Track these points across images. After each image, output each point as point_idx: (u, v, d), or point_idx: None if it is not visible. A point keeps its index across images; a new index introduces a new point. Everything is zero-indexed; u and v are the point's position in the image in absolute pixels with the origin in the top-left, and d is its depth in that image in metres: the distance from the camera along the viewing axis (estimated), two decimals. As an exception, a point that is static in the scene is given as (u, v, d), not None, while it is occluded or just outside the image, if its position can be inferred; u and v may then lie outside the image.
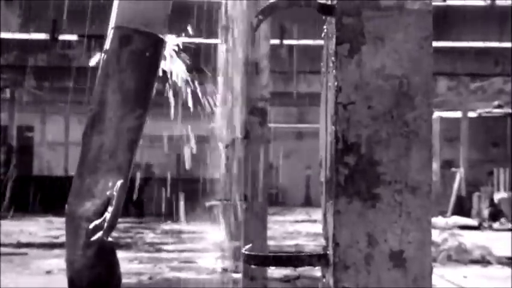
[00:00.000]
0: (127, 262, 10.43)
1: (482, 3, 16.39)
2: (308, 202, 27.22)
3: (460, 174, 21.29)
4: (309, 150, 24.78)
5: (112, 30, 1.93)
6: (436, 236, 11.69)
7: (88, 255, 1.81)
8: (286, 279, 9.13)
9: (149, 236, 15.20)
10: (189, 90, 2.15)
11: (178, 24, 2.08)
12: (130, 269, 9.91)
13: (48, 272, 9.71)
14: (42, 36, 16.68)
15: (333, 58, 1.50)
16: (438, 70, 16.99)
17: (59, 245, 12.29)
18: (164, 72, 2.04)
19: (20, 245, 12.92)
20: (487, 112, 23.94)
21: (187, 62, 2.06)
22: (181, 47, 2.02)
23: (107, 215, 1.82)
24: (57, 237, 14.03)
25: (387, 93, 1.48)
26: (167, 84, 2.08)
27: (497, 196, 19.79)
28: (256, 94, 5.45)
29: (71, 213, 1.85)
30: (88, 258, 1.81)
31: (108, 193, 1.83)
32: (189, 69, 2.08)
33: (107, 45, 1.92)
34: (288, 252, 1.60)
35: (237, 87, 6.15)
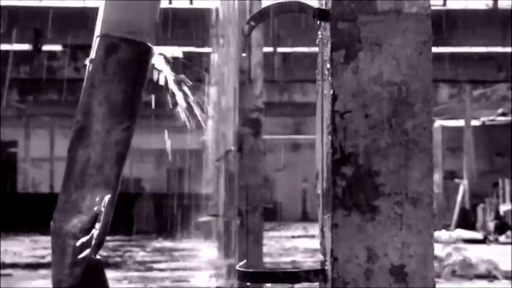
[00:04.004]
0: (116, 282, 10.31)
1: (484, 6, 16.34)
2: (305, 217, 27.08)
3: (463, 185, 21.09)
4: (306, 163, 24.70)
5: (98, 39, 1.87)
6: (439, 250, 11.58)
7: (75, 274, 1.75)
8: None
9: (139, 255, 15.05)
10: (179, 101, 2.09)
11: (168, 32, 2.02)
12: (120, 290, 9.81)
13: (34, 294, 9.59)
14: (25, 46, 16.46)
15: (328, 65, 1.45)
16: (439, 77, 16.84)
17: (45, 265, 12.13)
18: (153, 82, 1.98)
19: (4, 265, 12.67)
20: (490, 120, 23.76)
21: (178, 71, 2.00)
22: (171, 56, 1.96)
23: (95, 232, 1.76)
24: (43, 257, 13.85)
25: (385, 101, 1.44)
26: (156, 95, 2.03)
27: (503, 208, 19.57)
28: (250, 104, 5.40)
29: (56, 230, 1.79)
30: (75, 277, 1.75)
31: (95, 209, 1.78)
32: (180, 79, 2.03)
33: (93, 54, 1.87)
34: (284, 268, 1.55)
35: (230, 98, 6.11)
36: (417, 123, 1.44)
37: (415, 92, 1.44)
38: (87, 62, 1.85)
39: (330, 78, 1.44)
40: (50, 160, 25.81)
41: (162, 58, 1.94)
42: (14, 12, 15.79)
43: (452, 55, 17.02)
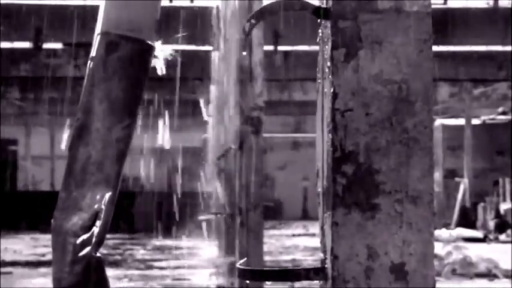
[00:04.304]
0: (116, 280, 10.30)
1: (484, 5, 16.31)
2: (305, 215, 27.05)
3: (464, 184, 21.06)
4: (306, 161, 24.65)
5: (98, 37, 1.87)
6: (440, 249, 11.56)
7: (76, 272, 1.75)
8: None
9: (140, 253, 15.03)
10: (180, 99, 2.10)
11: (168, 30, 2.02)
12: (120, 288, 9.81)
13: (34, 292, 9.59)
14: (25, 44, 16.41)
15: (328, 63, 1.45)
16: (439, 76, 16.79)
17: (45, 263, 12.11)
18: (154, 79, 1.98)
19: (4, 263, 12.65)
20: (491, 119, 23.72)
21: (179, 69, 2.00)
22: (172, 55, 1.96)
23: (95, 230, 1.76)
24: (43, 255, 13.84)
25: (386, 99, 1.44)
26: (157, 93, 2.03)
27: (503, 207, 19.54)
28: (250, 103, 5.39)
29: (57, 228, 1.79)
30: (76, 275, 1.75)
31: (96, 206, 1.78)
32: (181, 77, 2.03)
33: (93, 52, 1.87)
34: (284, 266, 1.55)
35: (230, 96, 6.10)
36: (417, 121, 1.44)
37: (415, 91, 1.44)
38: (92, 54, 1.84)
39: (330, 76, 1.44)
40: (51, 158, 25.80)
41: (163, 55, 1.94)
42: (14, 10, 15.75)
43: (453, 54, 16.98)
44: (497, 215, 19.41)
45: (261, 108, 5.46)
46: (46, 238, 15.49)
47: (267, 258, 10.14)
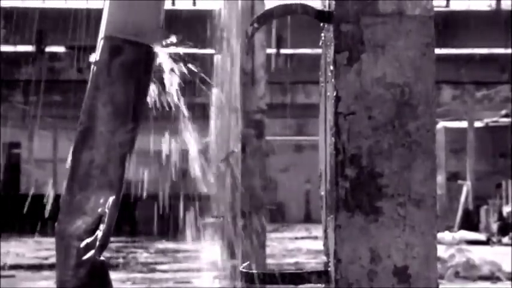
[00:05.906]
0: (119, 283, 10.30)
1: (487, 8, 16.30)
2: (308, 218, 27.00)
3: (466, 187, 21.03)
4: (309, 164, 24.56)
5: (102, 41, 1.88)
6: (442, 251, 11.55)
7: (79, 275, 1.75)
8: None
9: (142, 256, 15.03)
10: (182, 102, 2.10)
11: (170, 33, 2.02)
12: (123, 291, 9.81)
13: (37, 296, 9.58)
14: (28, 48, 16.40)
15: (331, 67, 1.45)
16: (442, 78, 16.73)
17: (48, 267, 12.12)
18: (156, 83, 1.98)
19: (7, 267, 12.66)
20: (493, 121, 23.67)
21: (181, 73, 2.01)
22: (173, 58, 1.97)
23: (99, 233, 1.77)
24: (46, 258, 13.83)
25: (388, 103, 1.44)
26: (159, 97, 2.03)
27: (506, 209, 19.51)
28: (253, 106, 5.40)
29: (61, 231, 1.80)
30: (79, 278, 1.75)
31: (99, 210, 1.78)
32: (183, 81, 2.03)
33: (97, 56, 1.87)
34: (287, 270, 1.55)
35: (233, 99, 6.11)
36: (420, 124, 1.44)
37: (418, 94, 1.44)
38: (91, 59, 1.85)
39: (333, 79, 1.44)
40: (53, 161, 25.81)
41: (167, 59, 1.94)
42: (17, 14, 15.75)
43: (455, 56, 16.95)
44: (500, 217, 19.37)
45: (264, 111, 5.47)
46: (49, 241, 15.46)
47: (269, 261, 10.12)
